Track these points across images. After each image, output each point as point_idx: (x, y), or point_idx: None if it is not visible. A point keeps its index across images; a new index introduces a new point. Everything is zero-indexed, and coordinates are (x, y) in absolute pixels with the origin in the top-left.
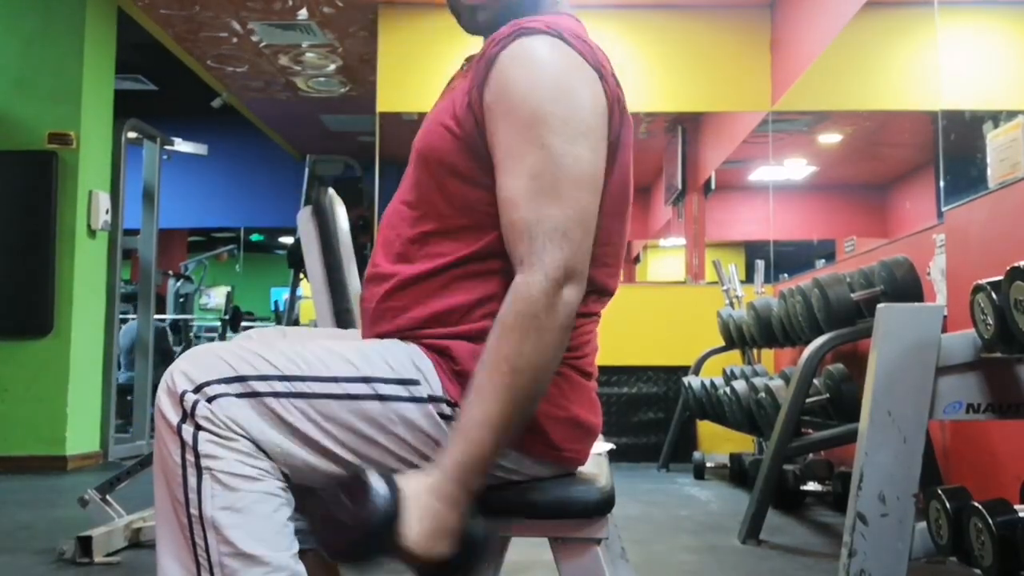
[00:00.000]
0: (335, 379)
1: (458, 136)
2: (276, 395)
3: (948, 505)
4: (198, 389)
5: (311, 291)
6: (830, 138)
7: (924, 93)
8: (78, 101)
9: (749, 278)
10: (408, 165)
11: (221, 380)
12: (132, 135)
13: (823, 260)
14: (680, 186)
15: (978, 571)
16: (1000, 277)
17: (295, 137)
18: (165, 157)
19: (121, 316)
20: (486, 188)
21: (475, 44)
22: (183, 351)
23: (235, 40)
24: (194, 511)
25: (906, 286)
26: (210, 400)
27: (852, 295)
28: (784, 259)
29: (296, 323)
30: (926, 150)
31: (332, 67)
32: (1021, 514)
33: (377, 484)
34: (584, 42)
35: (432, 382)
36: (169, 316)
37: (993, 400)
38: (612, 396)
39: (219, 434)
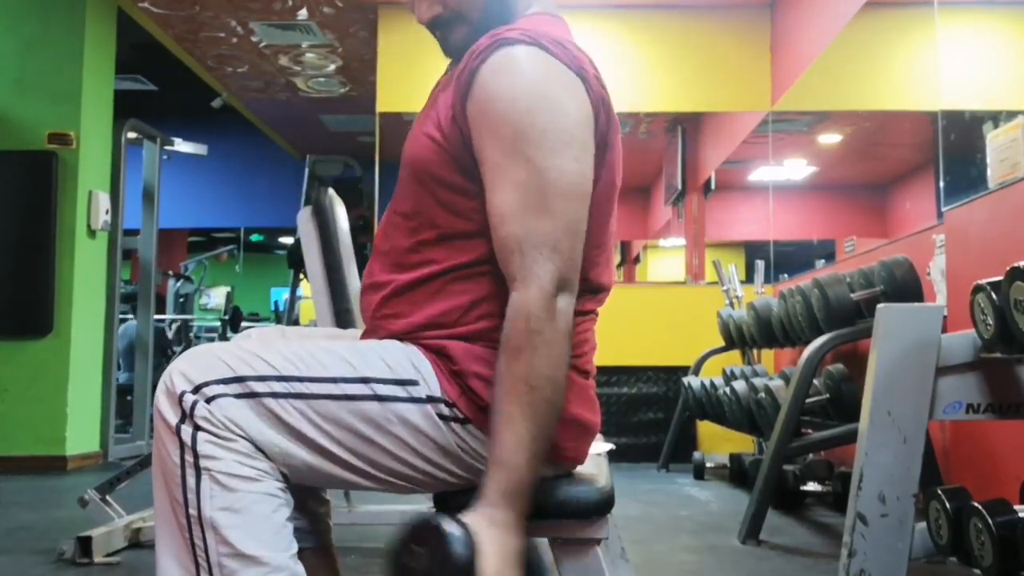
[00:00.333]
0: (333, 379)
1: (445, 149)
2: (275, 396)
3: (948, 505)
4: (197, 390)
5: (311, 291)
6: (830, 138)
7: (924, 93)
8: (78, 101)
9: (749, 278)
10: (399, 179)
11: (220, 381)
12: (132, 135)
13: (823, 260)
14: (680, 186)
15: (978, 571)
16: (1000, 277)
17: (295, 137)
18: (165, 157)
19: (121, 317)
20: (476, 197)
21: None
22: (183, 351)
23: (235, 40)
24: (193, 511)
25: (906, 286)
26: (209, 401)
27: (852, 295)
28: (784, 259)
29: (296, 323)
30: (926, 150)
31: (332, 67)
32: (1021, 514)
33: (450, 527)
34: (563, 47)
35: (430, 382)
36: (168, 316)
37: (993, 400)
38: (612, 396)
39: (218, 435)
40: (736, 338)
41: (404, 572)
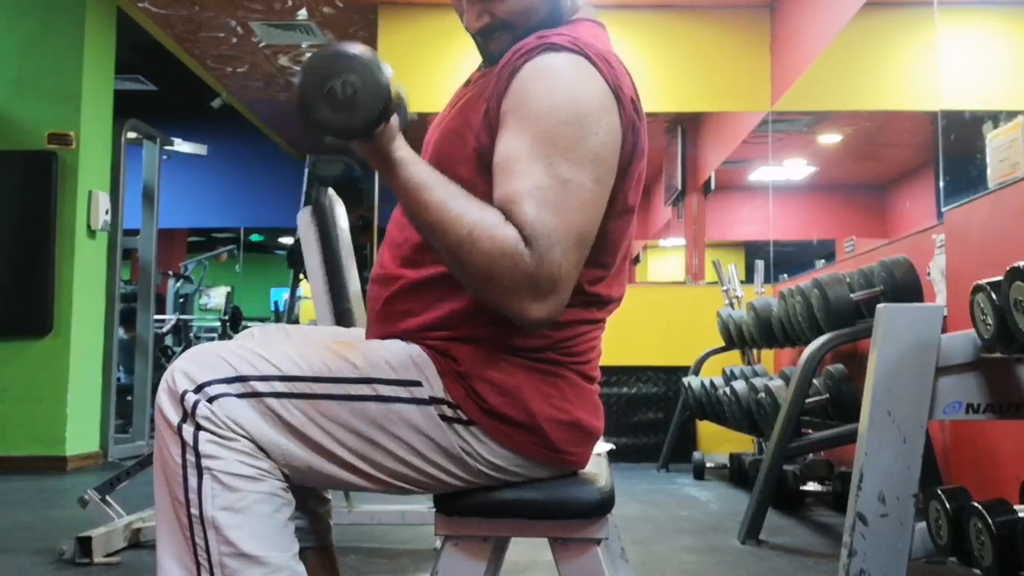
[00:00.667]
0: (336, 380)
1: (472, 146)
2: (277, 395)
3: (948, 505)
4: (199, 389)
5: (311, 291)
6: (830, 138)
7: (924, 93)
8: (78, 101)
9: (749, 278)
10: None
11: (222, 380)
12: (132, 135)
13: (823, 260)
14: (680, 186)
15: (978, 571)
16: (1000, 277)
17: (295, 137)
18: (165, 157)
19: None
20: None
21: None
22: (183, 351)
23: (235, 40)
24: (194, 511)
25: (906, 286)
26: (211, 400)
27: (852, 295)
28: (784, 259)
29: (296, 323)
30: (926, 150)
31: None
32: (1021, 514)
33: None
34: (608, 63)
35: (434, 383)
36: (168, 316)
37: (993, 400)
38: (612, 396)
39: (220, 434)
40: (736, 338)
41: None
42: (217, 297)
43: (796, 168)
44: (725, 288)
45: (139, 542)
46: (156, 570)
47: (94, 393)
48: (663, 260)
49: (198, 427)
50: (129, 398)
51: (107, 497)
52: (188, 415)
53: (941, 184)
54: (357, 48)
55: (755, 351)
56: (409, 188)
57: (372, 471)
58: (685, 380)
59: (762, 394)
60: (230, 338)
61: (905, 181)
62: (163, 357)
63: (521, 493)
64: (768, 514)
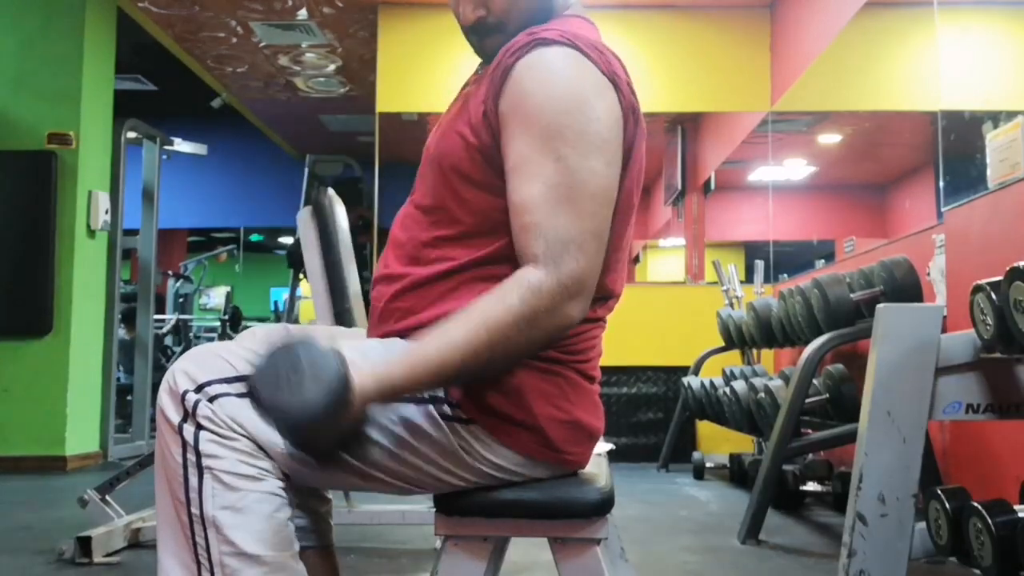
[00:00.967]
0: None
1: (474, 146)
2: None
3: (948, 505)
4: (199, 389)
5: (311, 291)
6: (830, 138)
7: (924, 93)
8: (78, 101)
9: (749, 278)
10: (421, 166)
11: (222, 380)
12: (132, 135)
13: (823, 260)
14: (680, 186)
15: (977, 571)
16: (1000, 277)
17: (295, 137)
18: (165, 157)
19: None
20: (501, 195)
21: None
22: (183, 352)
23: (235, 40)
24: (195, 510)
25: (906, 286)
26: (211, 400)
27: (852, 295)
28: (784, 259)
29: (296, 323)
30: (926, 150)
31: (332, 67)
32: (1021, 514)
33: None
34: (599, 51)
35: None
36: (168, 315)
37: (993, 400)
38: (612, 396)
39: (220, 434)
40: (736, 338)
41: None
42: (217, 297)
43: (796, 168)
44: (725, 288)
45: (139, 542)
46: (156, 569)
47: (94, 393)
48: (663, 260)
49: (199, 427)
50: (129, 398)
51: (107, 497)
52: (189, 415)
53: (941, 184)
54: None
55: (755, 351)
56: (412, 383)
57: (372, 470)
58: (685, 380)
59: (762, 394)
60: (230, 338)
61: (905, 181)
62: (163, 357)
63: (521, 493)
64: (768, 514)
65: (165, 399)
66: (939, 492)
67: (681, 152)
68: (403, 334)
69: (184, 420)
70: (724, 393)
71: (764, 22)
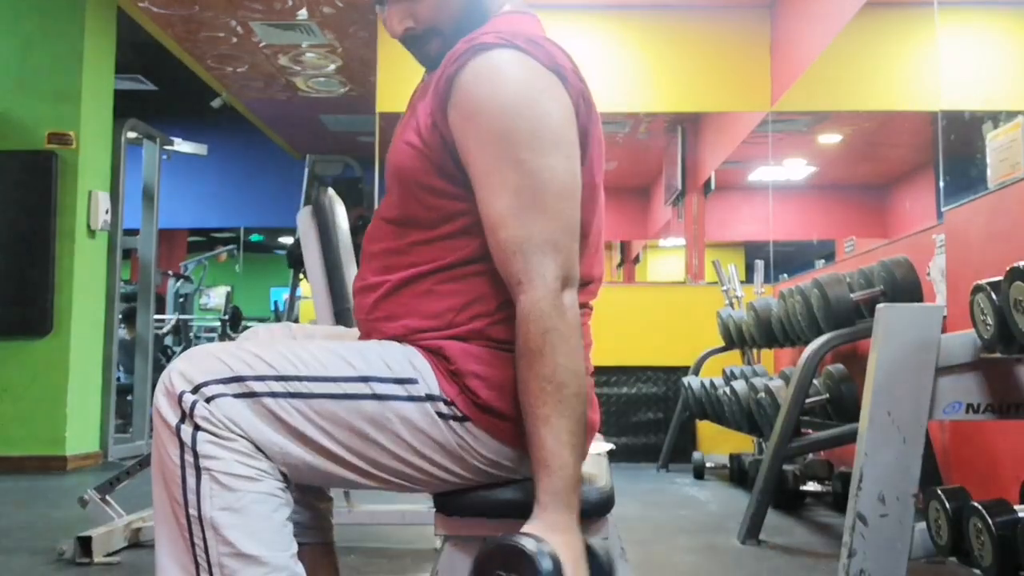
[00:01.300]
0: (333, 379)
1: (427, 156)
2: (274, 395)
3: (948, 505)
4: (196, 390)
5: (311, 291)
6: (830, 138)
7: (924, 93)
8: (78, 101)
9: (749, 278)
10: (387, 185)
11: (219, 380)
12: (132, 135)
13: (823, 260)
14: (680, 186)
15: (978, 571)
16: (1000, 277)
17: (295, 137)
18: (165, 157)
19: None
20: (463, 199)
21: None
22: (183, 351)
23: (235, 40)
24: (193, 511)
25: (906, 286)
26: (208, 400)
27: (852, 295)
28: (784, 259)
29: (296, 323)
30: (926, 150)
31: (332, 67)
32: (1021, 514)
33: (532, 546)
34: (537, 45)
35: (429, 381)
36: (168, 315)
37: (993, 400)
38: (612, 396)
39: (217, 434)
40: (736, 338)
41: None
42: (217, 297)
43: (796, 168)
44: (725, 288)
45: (139, 542)
46: (155, 570)
47: (94, 393)
48: (663, 260)
49: (196, 427)
50: (129, 398)
51: (107, 497)
52: (186, 416)
53: (941, 184)
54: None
55: (755, 351)
56: (567, 459)
57: (370, 469)
58: (685, 380)
59: (762, 394)
60: (230, 338)
61: (905, 181)
62: (163, 357)
63: (521, 493)
64: (768, 514)
65: (162, 400)
66: (939, 492)
67: (681, 152)
68: (393, 340)
69: (181, 421)
70: (724, 393)
71: (764, 22)
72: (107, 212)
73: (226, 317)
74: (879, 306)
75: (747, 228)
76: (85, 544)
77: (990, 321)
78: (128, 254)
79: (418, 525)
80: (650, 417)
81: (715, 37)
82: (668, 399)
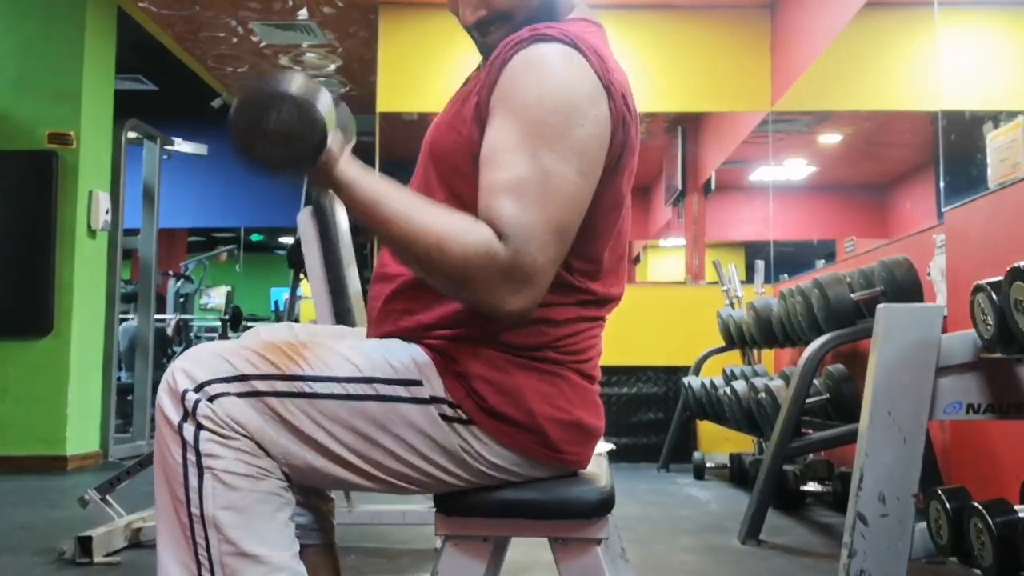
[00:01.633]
0: (337, 379)
1: (465, 137)
2: (277, 395)
3: (948, 505)
4: (199, 388)
5: (311, 291)
6: (830, 138)
7: (924, 93)
8: (78, 101)
9: (749, 278)
10: (418, 165)
11: (222, 379)
12: (132, 135)
13: (823, 260)
14: (680, 186)
15: (978, 571)
16: (1000, 277)
17: None
18: (165, 157)
19: (121, 316)
20: None
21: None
22: (183, 351)
23: (235, 40)
24: (195, 510)
25: (906, 286)
26: (211, 399)
27: (852, 295)
28: (784, 259)
29: (296, 322)
30: (926, 150)
31: (332, 67)
32: (1021, 514)
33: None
34: (599, 56)
35: (434, 382)
36: (169, 315)
37: (993, 400)
38: (612, 396)
39: (220, 433)
40: (736, 338)
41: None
42: (217, 297)
43: (796, 168)
44: (725, 288)
45: (139, 542)
46: (157, 569)
47: (94, 393)
48: (663, 260)
49: (199, 426)
50: (129, 398)
51: (107, 497)
52: (189, 414)
53: (941, 184)
54: (289, 81)
55: (755, 351)
56: (365, 205)
57: (372, 470)
58: (685, 380)
59: (762, 394)
60: (231, 338)
61: (905, 181)
62: (163, 356)
63: (521, 493)
64: (768, 514)
65: (165, 398)
66: (939, 492)
67: (681, 152)
68: (403, 335)
69: (184, 420)
70: (724, 393)
71: (764, 22)
72: (107, 212)
73: (227, 317)
74: (879, 306)
75: (747, 228)
76: (85, 544)
77: (990, 321)
78: (128, 254)
79: (418, 525)
80: (650, 417)
81: (715, 37)
82: (668, 399)
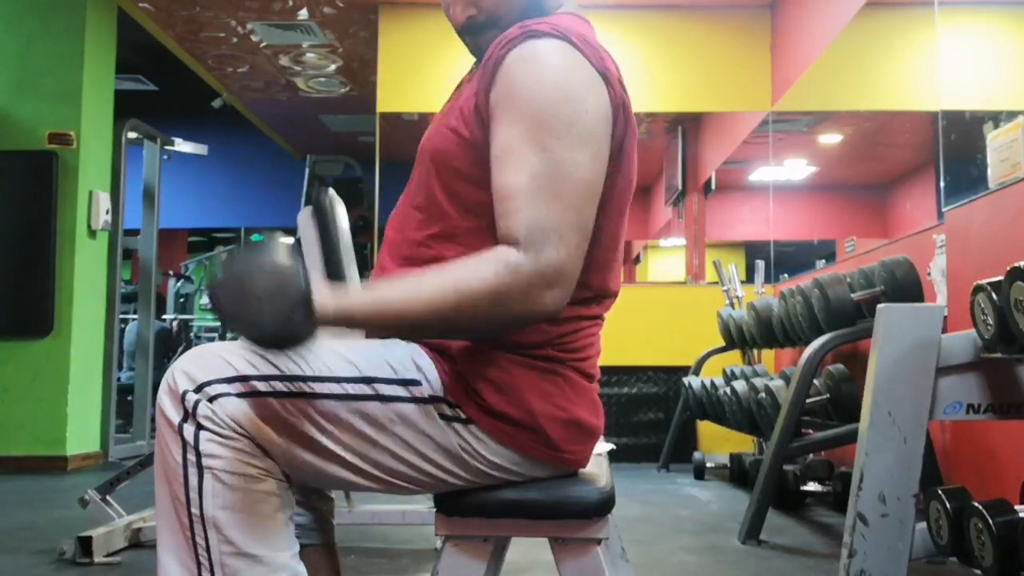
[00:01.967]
0: (336, 379)
1: (466, 139)
2: (277, 395)
3: (948, 505)
4: (199, 388)
5: None
6: (830, 138)
7: (924, 93)
8: (78, 101)
9: (749, 278)
10: (415, 167)
11: (222, 379)
12: (132, 135)
13: (823, 260)
14: (680, 186)
15: (978, 571)
16: (1000, 277)
17: (295, 137)
18: (165, 157)
19: (122, 317)
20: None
21: None
22: (183, 351)
23: (235, 40)
24: (195, 510)
25: (906, 286)
26: (211, 400)
27: (852, 295)
28: (784, 259)
29: None
30: (926, 150)
31: (332, 67)
32: (1021, 514)
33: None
34: (591, 46)
35: (433, 382)
36: (169, 316)
37: (993, 400)
38: (612, 396)
39: (220, 433)
40: (736, 338)
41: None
42: None
43: (796, 168)
44: (725, 288)
45: (139, 542)
46: (157, 569)
47: (94, 393)
48: (663, 260)
49: (199, 427)
50: (130, 398)
51: (107, 497)
52: (189, 415)
53: (942, 184)
54: (253, 254)
55: (755, 351)
56: (371, 321)
57: (372, 470)
58: (685, 380)
59: (762, 394)
60: (231, 338)
61: (905, 181)
62: (168, 356)
63: (521, 493)
64: (768, 514)
65: (165, 399)
66: (940, 492)
67: (682, 152)
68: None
69: (184, 420)
70: (725, 393)
71: (764, 22)
72: (107, 212)
73: None
74: (880, 306)
75: (748, 228)
76: (86, 544)
77: (991, 321)
78: (128, 254)
79: (418, 525)
80: (651, 417)
81: (715, 37)
82: (669, 399)
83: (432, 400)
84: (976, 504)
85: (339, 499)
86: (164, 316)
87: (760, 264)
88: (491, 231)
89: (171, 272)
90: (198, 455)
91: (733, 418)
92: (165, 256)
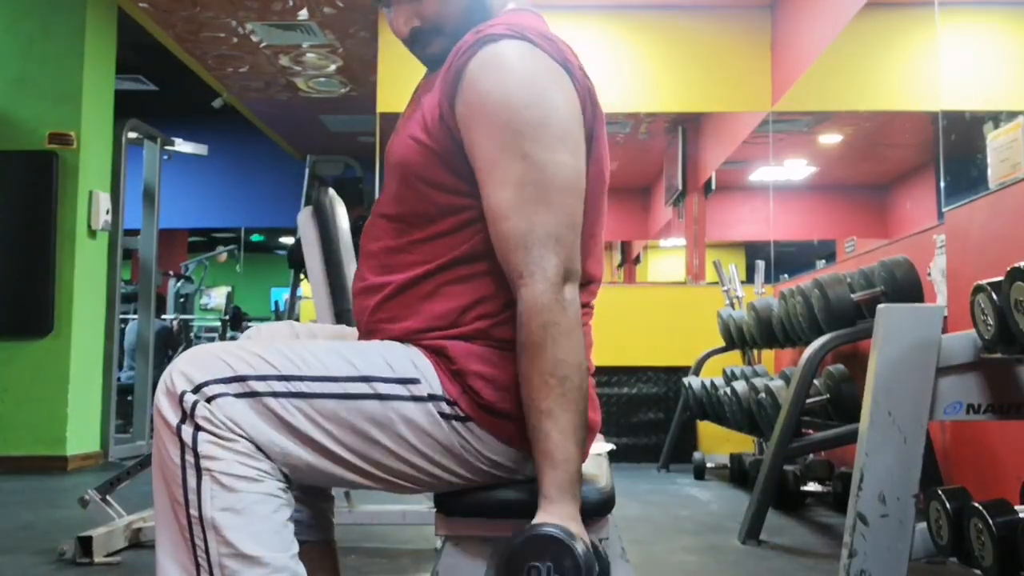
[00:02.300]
0: (334, 379)
1: (432, 150)
2: (275, 395)
3: (948, 505)
4: (197, 389)
5: (311, 291)
6: (830, 138)
7: (924, 93)
8: (78, 101)
9: (749, 278)
10: (386, 181)
11: (220, 380)
12: (132, 135)
13: (823, 260)
14: (680, 186)
15: (978, 572)
16: (1000, 277)
17: (295, 137)
18: (165, 157)
19: (123, 316)
20: (466, 194)
21: None
22: (183, 351)
23: (235, 40)
24: (194, 512)
25: (906, 286)
26: (209, 400)
27: (852, 295)
28: (784, 259)
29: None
30: (926, 150)
31: (332, 67)
32: (1021, 514)
33: (564, 534)
34: (548, 39)
35: (431, 381)
36: (169, 316)
37: (993, 400)
38: (612, 396)
39: (218, 435)
40: (736, 338)
41: None
42: (218, 297)
43: (796, 168)
44: (725, 288)
45: (140, 542)
46: (156, 571)
47: (94, 393)
48: (663, 260)
49: (197, 428)
50: (129, 398)
51: (107, 497)
52: (187, 416)
53: (942, 184)
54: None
55: (755, 351)
56: (578, 462)
57: (372, 469)
58: (685, 380)
59: (762, 394)
60: (232, 339)
61: (906, 181)
62: (168, 356)
63: (521, 493)
64: (768, 514)
65: (163, 400)
66: (940, 492)
67: (682, 152)
68: (396, 340)
69: (182, 421)
70: (725, 393)
71: (764, 22)
72: (108, 212)
73: (227, 317)
74: (880, 306)
75: (748, 228)
76: (86, 544)
77: (991, 321)
78: (129, 254)
79: (418, 525)
80: (651, 417)
81: (715, 37)
82: (669, 399)
83: (431, 398)
84: (976, 504)
85: (339, 499)
86: (164, 316)
87: (760, 264)
88: (474, 230)
89: (171, 272)
90: (196, 456)
91: (733, 418)
92: (165, 256)
